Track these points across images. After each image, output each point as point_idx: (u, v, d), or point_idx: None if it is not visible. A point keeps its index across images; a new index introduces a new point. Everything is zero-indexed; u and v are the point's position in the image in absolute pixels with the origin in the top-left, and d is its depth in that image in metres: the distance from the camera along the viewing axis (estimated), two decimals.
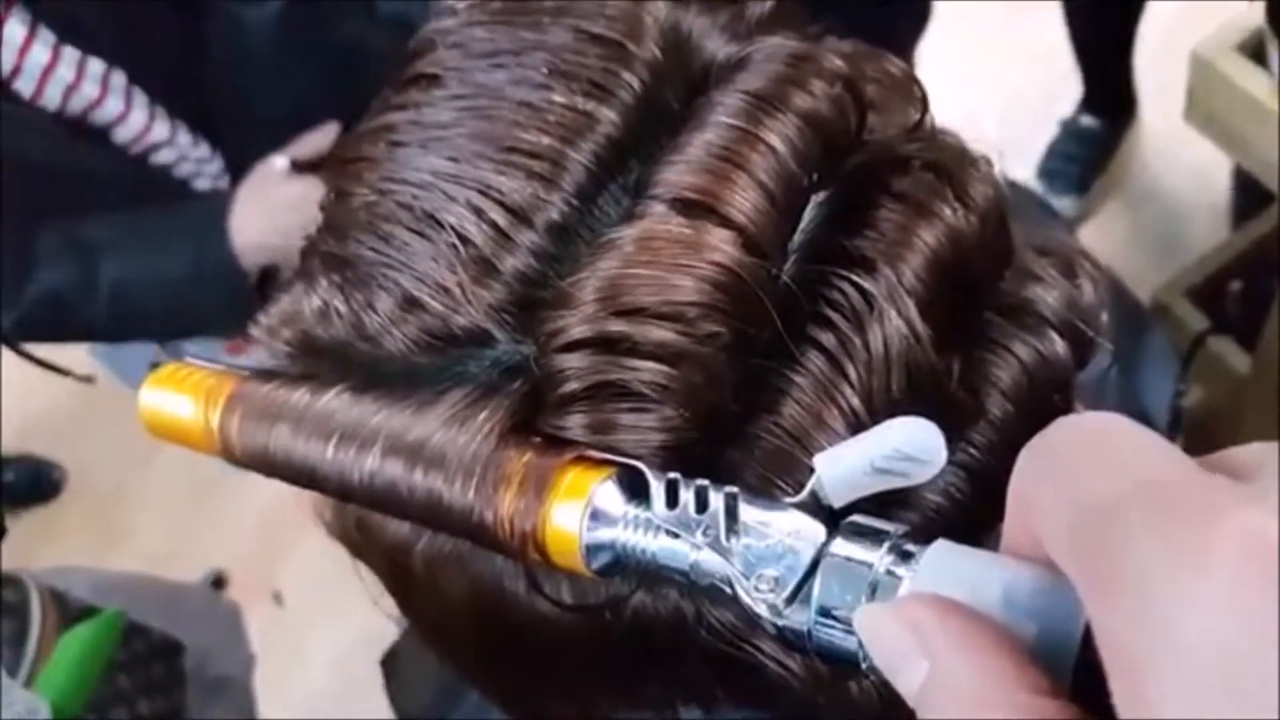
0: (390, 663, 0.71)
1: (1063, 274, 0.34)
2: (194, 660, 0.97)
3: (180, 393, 0.36)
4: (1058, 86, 1.72)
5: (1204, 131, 1.03)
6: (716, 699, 0.35)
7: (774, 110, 0.30)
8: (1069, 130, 1.72)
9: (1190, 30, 1.07)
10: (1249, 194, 1.46)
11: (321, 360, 0.34)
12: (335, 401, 0.32)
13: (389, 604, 0.39)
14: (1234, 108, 1.00)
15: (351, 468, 0.31)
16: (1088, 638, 0.20)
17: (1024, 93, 1.76)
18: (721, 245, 0.29)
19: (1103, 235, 1.69)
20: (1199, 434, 1.09)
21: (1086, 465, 0.19)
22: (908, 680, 0.21)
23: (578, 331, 0.29)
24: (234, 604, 1.17)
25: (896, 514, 0.30)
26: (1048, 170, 1.71)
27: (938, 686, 0.20)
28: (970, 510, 0.32)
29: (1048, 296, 0.33)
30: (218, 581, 1.73)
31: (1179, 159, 1.68)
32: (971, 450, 0.32)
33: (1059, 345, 0.33)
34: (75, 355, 1.29)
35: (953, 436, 0.26)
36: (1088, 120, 1.71)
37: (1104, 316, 0.35)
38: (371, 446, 0.30)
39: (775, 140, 0.30)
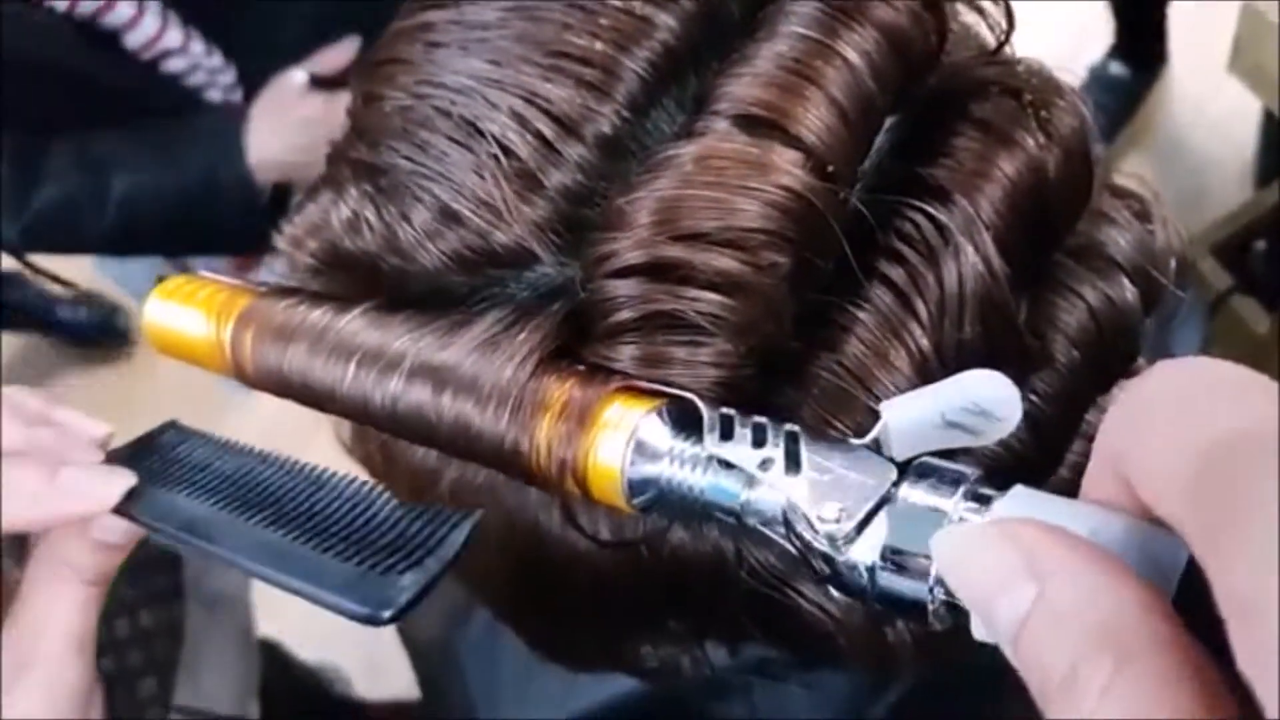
0: None
1: (1136, 217, 0.33)
2: (192, 574, 0.97)
3: (190, 306, 0.34)
4: (1088, 30, 1.68)
5: (1248, 82, 1.00)
6: (747, 638, 0.34)
7: (852, 21, 0.28)
8: (1097, 77, 1.68)
9: None
10: (1276, 153, 1.43)
11: (348, 274, 0.32)
12: (359, 320, 0.30)
13: None
14: None
15: (373, 391, 0.29)
16: (1182, 588, 0.19)
17: (1052, 36, 1.72)
18: (789, 167, 0.26)
19: None
20: None
21: (1197, 412, 0.18)
22: (1007, 608, 0.18)
23: (631, 256, 0.27)
24: None
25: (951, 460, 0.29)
26: None
27: (1052, 613, 0.18)
28: (1026, 460, 0.30)
29: (1120, 239, 0.32)
30: None
31: (1206, 115, 1.64)
32: (1034, 398, 0.30)
33: (1129, 291, 0.31)
34: (81, 269, 1.27)
35: (1018, 383, 0.25)
36: (1117, 68, 1.67)
37: (1173, 263, 0.34)
38: (396, 368, 0.29)
39: (852, 54, 0.27)
